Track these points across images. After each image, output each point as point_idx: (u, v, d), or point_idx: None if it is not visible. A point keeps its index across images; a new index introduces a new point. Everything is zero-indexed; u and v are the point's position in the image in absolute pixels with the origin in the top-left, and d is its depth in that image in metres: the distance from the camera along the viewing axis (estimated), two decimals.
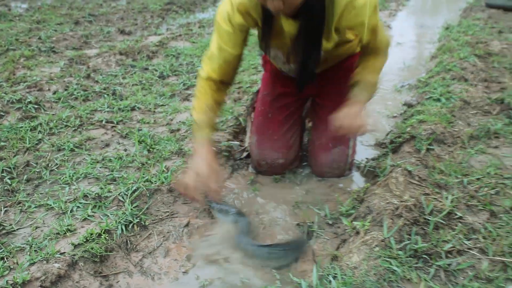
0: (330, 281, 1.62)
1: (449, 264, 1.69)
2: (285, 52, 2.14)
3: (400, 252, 1.72)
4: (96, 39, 4.82)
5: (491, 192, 2.11)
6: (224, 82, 2.12)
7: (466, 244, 1.78)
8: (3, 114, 2.93)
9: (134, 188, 2.11)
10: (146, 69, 3.87)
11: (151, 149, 2.51)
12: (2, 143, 2.55)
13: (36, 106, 3.02)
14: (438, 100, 3.11)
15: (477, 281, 1.63)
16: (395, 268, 1.64)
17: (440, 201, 2.00)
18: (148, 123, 2.86)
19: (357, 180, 2.47)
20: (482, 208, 2.01)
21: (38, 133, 2.68)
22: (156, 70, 3.81)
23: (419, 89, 3.59)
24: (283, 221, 2.14)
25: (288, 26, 1.95)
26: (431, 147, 2.49)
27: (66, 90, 3.31)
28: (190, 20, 5.98)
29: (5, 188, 2.17)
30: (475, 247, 1.78)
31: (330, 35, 1.97)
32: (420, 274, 1.64)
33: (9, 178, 2.24)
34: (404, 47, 5.07)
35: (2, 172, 2.28)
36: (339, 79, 2.37)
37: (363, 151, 2.74)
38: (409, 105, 3.25)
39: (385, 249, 1.74)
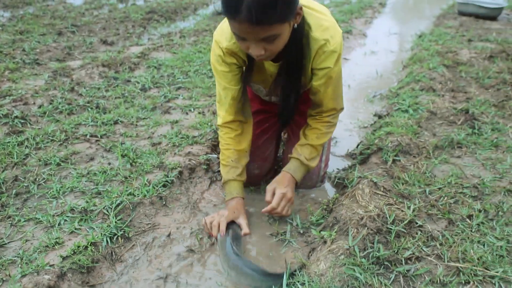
0: None
1: (408, 270, 1.86)
2: (266, 87, 2.35)
3: (363, 260, 1.88)
4: (79, 50, 4.93)
5: (450, 201, 2.28)
6: (241, 121, 2.33)
7: (424, 251, 1.95)
8: None
9: (118, 201, 2.24)
10: (129, 81, 3.99)
11: (133, 163, 2.64)
12: None
13: (22, 121, 3.13)
14: (406, 111, 3.29)
15: (433, 285, 1.79)
16: (358, 275, 1.80)
17: (403, 211, 2.17)
18: (130, 136, 2.99)
19: (328, 190, 2.64)
20: (441, 217, 2.18)
21: (25, 148, 2.79)
22: (138, 83, 3.94)
23: (389, 99, 3.76)
24: (258, 231, 2.29)
25: (270, 67, 2.17)
26: (397, 158, 2.66)
27: (51, 103, 3.43)
28: (171, 29, 6.11)
29: None
30: (432, 254, 1.95)
31: (307, 74, 2.16)
32: (381, 280, 1.80)
33: None
34: (378, 55, 5.25)
35: None
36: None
37: (335, 162, 2.90)
38: (379, 116, 3.43)
39: (350, 257, 1.90)
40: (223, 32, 2.11)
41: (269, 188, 2.26)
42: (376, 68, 4.63)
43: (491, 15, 6.80)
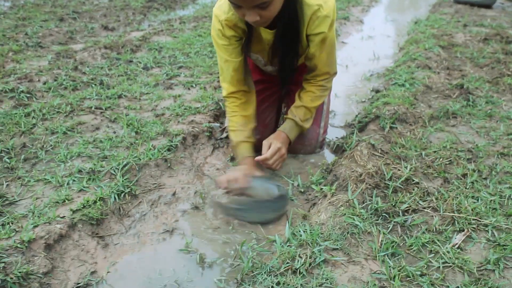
0: (301, 235, 1.86)
1: (405, 221, 1.94)
2: (264, 56, 2.43)
3: (362, 211, 1.96)
4: (81, 35, 5.00)
5: (446, 162, 2.37)
6: (244, 91, 2.42)
7: (420, 204, 2.04)
8: None
9: (125, 163, 2.32)
10: (131, 61, 4.06)
11: (138, 131, 2.72)
12: None
13: (28, 95, 3.20)
14: (403, 85, 3.37)
15: (429, 233, 1.87)
16: (357, 223, 1.88)
17: (400, 170, 2.25)
18: (134, 109, 3.07)
19: (327, 156, 2.72)
20: (437, 176, 2.26)
21: (32, 119, 2.86)
22: (140, 62, 4.01)
23: (386, 76, 3.85)
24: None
25: (266, 35, 2.24)
26: (394, 125, 2.74)
27: (55, 80, 3.50)
28: (171, 16, 6.18)
29: (5, 166, 2.36)
30: (428, 207, 2.03)
31: (303, 41, 2.25)
32: (380, 229, 1.88)
33: (7, 158, 2.43)
34: (375, 40, 5.33)
35: (1, 152, 2.47)
36: None
37: (334, 132, 2.98)
38: (377, 91, 3.51)
39: (349, 208, 1.98)
40: (221, 7, 2.21)
41: (265, 143, 2.38)
42: (373, 50, 4.71)
43: (486, 3, 6.88)
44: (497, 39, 4.77)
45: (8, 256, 1.69)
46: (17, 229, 1.88)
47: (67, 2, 6.91)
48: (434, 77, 3.51)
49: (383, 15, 6.61)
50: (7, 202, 2.09)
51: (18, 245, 1.74)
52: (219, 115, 3.01)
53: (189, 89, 3.44)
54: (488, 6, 6.92)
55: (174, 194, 2.29)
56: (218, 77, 3.60)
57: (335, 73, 2.46)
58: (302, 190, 2.34)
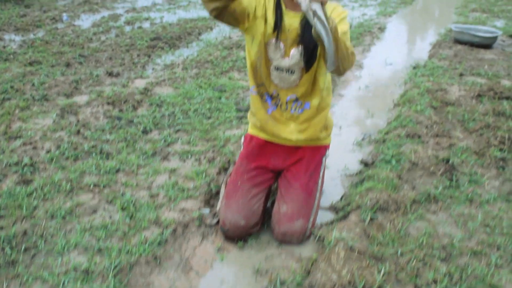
0: None
1: None
2: (287, 44, 2.60)
3: None
4: (86, 84, 5.18)
5: (419, 265, 2.51)
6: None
7: None
8: (1, 177, 3.30)
9: (116, 263, 2.49)
10: (131, 121, 4.24)
11: (133, 216, 2.89)
12: (2, 211, 2.92)
13: (31, 169, 3.39)
14: (390, 161, 3.51)
15: None
16: None
17: (373, 275, 2.40)
18: (131, 186, 3.24)
19: (311, 247, 2.85)
20: (409, 281, 2.40)
21: (34, 200, 3.04)
22: (140, 123, 4.19)
23: (376, 143, 3.99)
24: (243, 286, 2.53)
25: (291, 20, 2.54)
26: (375, 215, 2.89)
27: (58, 148, 3.69)
28: (175, 57, 6.36)
29: (6, 260, 2.54)
30: None
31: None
32: None
33: (9, 248, 2.61)
34: (371, 90, 5.46)
35: (3, 241, 2.65)
36: (308, 162, 2.92)
37: (319, 213, 3.12)
38: (365, 164, 3.65)
39: None
40: None
41: None
42: (368, 107, 4.84)
43: (486, 43, 7.00)
44: (490, 95, 4.90)
45: None
46: None
47: (75, 37, 7.12)
48: (421, 151, 3.64)
49: (383, 56, 6.72)
50: None
51: None
52: (210, 197, 3.17)
53: (184, 161, 3.61)
54: (488, 46, 7.02)
55: None
56: (213, 147, 3.78)
57: (354, 54, 2.45)
58: None
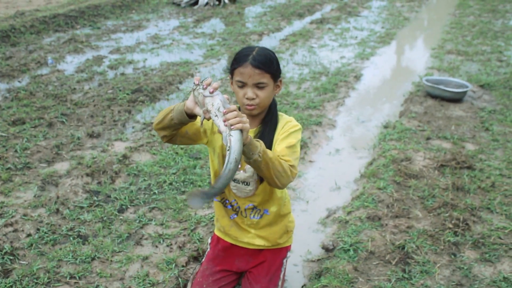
0: None
1: None
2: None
3: None
4: (67, 149, 5.39)
5: None
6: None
7: None
8: None
9: None
10: (109, 196, 4.47)
11: None
12: None
13: (11, 258, 3.60)
14: (348, 251, 3.77)
15: None
16: None
17: None
18: (105, 276, 3.46)
19: None
20: None
21: None
22: (117, 199, 4.41)
23: (340, 223, 4.25)
24: None
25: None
26: None
27: (37, 231, 3.91)
28: (155, 112, 6.58)
29: None
30: None
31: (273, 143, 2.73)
32: None
33: None
34: (341, 155, 5.71)
35: None
36: (269, 265, 3.15)
37: None
38: (327, 249, 3.91)
39: None
40: None
41: None
42: (335, 178, 5.09)
43: (456, 97, 7.28)
44: (452, 165, 5.16)
45: None
46: None
47: (59, 87, 7.33)
48: (378, 239, 3.90)
49: (356, 112, 6.99)
50: None
51: None
52: None
53: (157, 246, 3.84)
54: (459, 100, 7.32)
55: None
56: (185, 230, 4.01)
57: (295, 168, 2.60)
58: None
